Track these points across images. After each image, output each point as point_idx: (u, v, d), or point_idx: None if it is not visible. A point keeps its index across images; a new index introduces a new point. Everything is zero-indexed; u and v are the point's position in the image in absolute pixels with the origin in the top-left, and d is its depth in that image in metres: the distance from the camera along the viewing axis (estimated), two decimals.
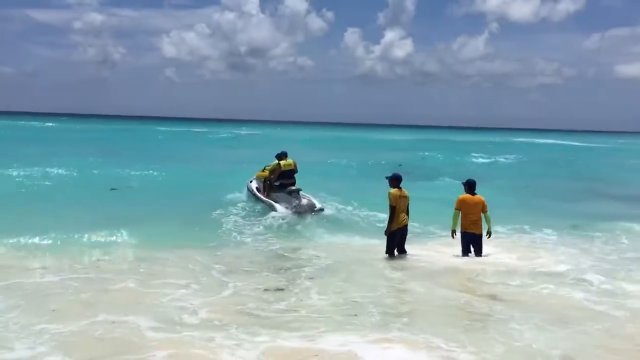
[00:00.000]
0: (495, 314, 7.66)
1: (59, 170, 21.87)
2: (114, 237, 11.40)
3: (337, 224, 14.36)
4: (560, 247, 12.08)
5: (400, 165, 32.80)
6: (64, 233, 11.34)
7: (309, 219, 14.61)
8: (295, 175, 15.73)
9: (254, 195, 16.33)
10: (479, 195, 10.72)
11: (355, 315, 7.48)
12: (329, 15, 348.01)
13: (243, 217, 14.79)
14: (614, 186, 25.38)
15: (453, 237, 10.68)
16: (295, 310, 7.67)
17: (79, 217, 13.66)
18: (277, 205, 15.04)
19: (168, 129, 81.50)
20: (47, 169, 21.67)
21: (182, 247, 11.21)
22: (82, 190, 18.13)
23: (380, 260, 10.63)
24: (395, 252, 10.73)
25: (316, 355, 6.08)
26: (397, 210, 10.51)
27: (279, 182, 15.48)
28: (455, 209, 10.60)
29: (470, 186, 10.76)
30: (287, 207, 14.96)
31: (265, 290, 8.67)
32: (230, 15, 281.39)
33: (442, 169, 31.10)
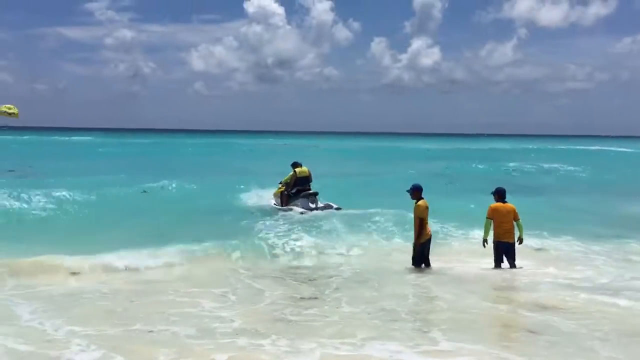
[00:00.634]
0: (548, 325, 7.31)
1: (93, 184, 22.33)
2: (149, 248, 11.61)
3: (360, 228, 14.42)
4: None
5: (446, 168, 32.83)
6: (99, 243, 11.72)
7: (333, 220, 14.80)
8: (311, 184, 16.55)
9: (276, 207, 17.00)
10: (510, 204, 10.71)
11: (394, 320, 7.55)
12: (356, 25, 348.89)
13: (268, 223, 14.96)
14: None
15: (484, 246, 10.64)
16: (332, 318, 7.74)
17: (114, 228, 14.08)
18: (296, 209, 15.91)
19: (198, 141, 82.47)
20: (80, 185, 22.15)
21: (213, 255, 11.53)
22: (115, 201, 18.43)
23: (409, 270, 10.71)
24: (422, 266, 10.67)
25: None
26: (425, 222, 10.49)
27: (295, 189, 16.27)
28: (487, 217, 10.58)
29: (500, 195, 10.73)
30: (306, 208, 15.81)
31: (301, 298, 8.85)
32: (257, 28, 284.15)
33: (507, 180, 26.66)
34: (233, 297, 8.83)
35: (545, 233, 13.83)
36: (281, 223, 14.86)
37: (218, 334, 7.02)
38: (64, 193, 17.27)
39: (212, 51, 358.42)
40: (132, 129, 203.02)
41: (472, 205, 16.46)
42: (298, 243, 13.00)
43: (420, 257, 10.64)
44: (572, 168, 37.53)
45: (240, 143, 77.20)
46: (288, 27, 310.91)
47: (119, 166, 32.49)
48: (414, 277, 10.32)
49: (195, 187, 22.62)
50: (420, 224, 10.40)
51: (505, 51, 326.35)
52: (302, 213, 15.61)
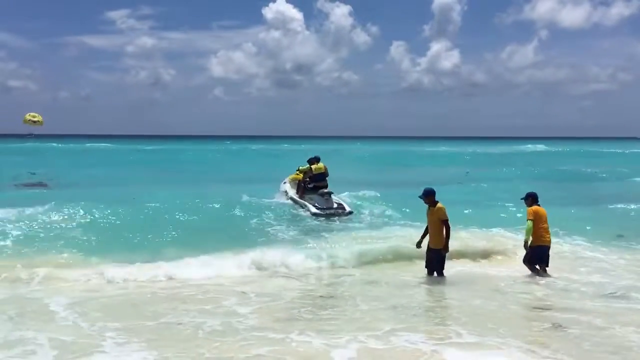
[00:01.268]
0: (574, 321, 7.49)
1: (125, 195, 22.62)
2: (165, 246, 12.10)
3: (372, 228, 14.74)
4: None
5: (467, 172, 32.21)
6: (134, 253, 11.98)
7: (337, 222, 15.70)
8: (327, 179, 17.20)
9: (288, 196, 17.54)
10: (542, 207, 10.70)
11: (414, 315, 7.86)
12: (374, 29, 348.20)
13: (282, 222, 15.60)
14: None
15: (526, 248, 10.54)
16: (353, 314, 7.94)
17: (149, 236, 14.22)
18: (310, 207, 16.33)
19: (220, 147, 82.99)
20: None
21: (234, 253, 11.80)
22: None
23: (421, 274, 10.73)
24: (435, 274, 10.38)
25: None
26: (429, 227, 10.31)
27: (312, 185, 16.95)
28: (529, 219, 10.43)
29: (535, 198, 10.65)
30: (319, 208, 16.18)
31: (320, 297, 8.89)
32: (275, 34, 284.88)
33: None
34: (254, 296, 9.04)
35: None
36: (290, 219, 15.58)
37: (247, 330, 7.19)
38: (99, 205, 16.97)
39: (232, 57, 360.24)
40: (153, 135, 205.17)
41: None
42: (308, 240, 13.49)
43: (435, 264, 10.36)
44: None
45: (268, 148, 77.59)
46: (307, 32, 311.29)
47: (154, 174, 32.56)
48: (427, 279, 10.36)
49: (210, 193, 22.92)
50: (447, 226, 10.08)
51: (526, 53, 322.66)
52: (314, 214, 16.07)
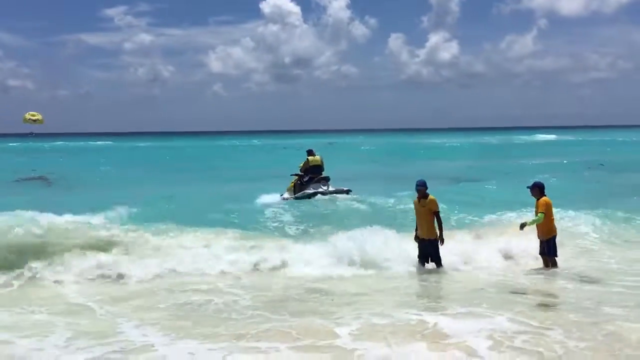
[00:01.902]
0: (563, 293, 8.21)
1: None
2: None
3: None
4: None
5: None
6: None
7: (339, 200, 16.43)
8: (323, 173, 17.45)
9: (288, 198, 17.72)
10: None
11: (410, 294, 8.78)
12: (372, 22, 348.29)
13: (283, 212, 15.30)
14: None
15: (522, 229, 10.15)
16: (345, 298, 8.41)
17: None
18: (308, 191, 16.94)
19: (225, 142, 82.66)
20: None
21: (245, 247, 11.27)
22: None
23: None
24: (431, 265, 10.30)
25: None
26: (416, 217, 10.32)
27: (308, 177, 17.27)
28: (542, 212, 10.00)
29: (542, 188, 10.26)
30: (317, 189, 16.90)
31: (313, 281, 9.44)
32: (273, 28, 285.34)
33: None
34: (247, 282, 9.41)
35: None
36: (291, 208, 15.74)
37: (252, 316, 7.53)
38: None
39: (230, 53, 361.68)
40: (155, 132, 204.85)
41: None
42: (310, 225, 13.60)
43: (432, 254, 10.25)
44: None
45: (273, 143, 77.16)
46: (304, 26, 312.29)
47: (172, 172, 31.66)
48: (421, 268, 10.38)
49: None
50: (439, 217, 10.09)
51: (525, 42, 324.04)
52: (314, 194, 16.72)
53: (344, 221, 13.55)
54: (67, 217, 11.49)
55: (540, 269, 10.21)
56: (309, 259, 10.44)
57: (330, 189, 17.10)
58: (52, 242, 10.23)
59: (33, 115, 66.55)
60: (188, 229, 11.93)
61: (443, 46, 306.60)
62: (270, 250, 10.89)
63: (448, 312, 7.46)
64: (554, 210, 10.39)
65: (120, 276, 9.55)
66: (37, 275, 9.41)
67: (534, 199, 10.33)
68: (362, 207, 16.08)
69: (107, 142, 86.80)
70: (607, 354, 5.91)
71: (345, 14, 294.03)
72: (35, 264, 9.57)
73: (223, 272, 9.91)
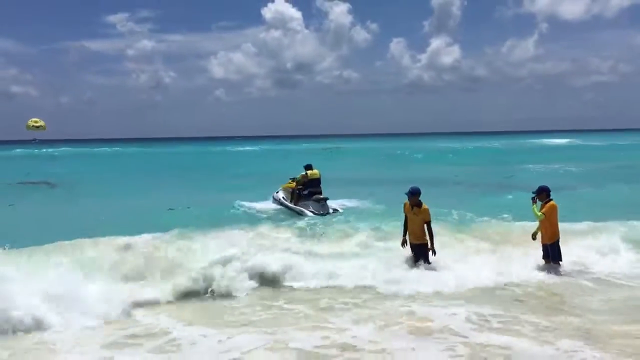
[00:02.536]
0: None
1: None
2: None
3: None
4: None
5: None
6: None
7: (333, 218, 15.42)
8: (322, 186, 17.10)
9: (282, 204, 17.42)
10: None
11: None
12: (374, 26, 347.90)
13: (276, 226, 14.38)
14: None
15: (534, 239, 10.33)
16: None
17: None
18: (306, 212, 16.40)
19: (232, 149, 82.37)
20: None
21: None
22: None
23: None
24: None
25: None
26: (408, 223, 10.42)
27: (307, 191, 16.92)
28: (543, 212, 10.05)
29: (548, 192, 10.28)
30: (315, 213, 16.24)
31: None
32: (275, 33, 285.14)
33: None
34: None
35: None
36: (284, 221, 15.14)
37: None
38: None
39: (232, 58, 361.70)
40: (159, 138, 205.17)
41: None
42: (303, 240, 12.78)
43: (421, 256, 10.39)
44: None
45: (274, 149, 76.75)
46: (306, 31, 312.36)
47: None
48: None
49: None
50: (430, 226, 10.27)
51: (526, 47, 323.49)
52: (314, 214, 16.19)
53: None
54: None
55: None
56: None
57: (330, 210, 16.60)
58: None
59: (36, 122, 67.14)
60: None
61: (445, 50, 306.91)
62: None
63: None
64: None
65: None
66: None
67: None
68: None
69: (114, 149, 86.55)
70: None
71: (347, 19, 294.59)
72: None
73: None
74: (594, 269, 10.30)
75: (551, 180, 17.51)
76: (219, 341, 7.01)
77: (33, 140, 72.16)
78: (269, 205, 18.10)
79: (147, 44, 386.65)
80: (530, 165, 36.68)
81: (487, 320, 7.58)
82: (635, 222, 13.07)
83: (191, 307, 8.56)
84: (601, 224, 12.87)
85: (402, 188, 10.76)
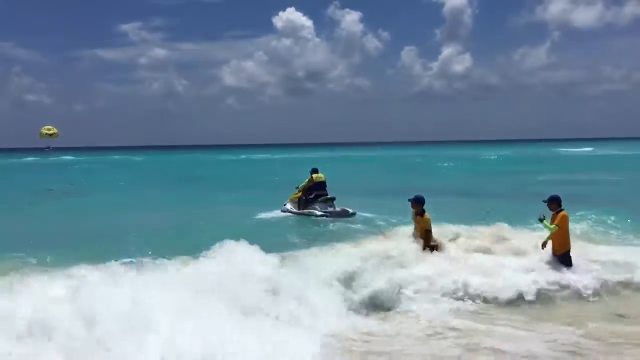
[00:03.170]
0: None
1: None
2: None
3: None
4: None
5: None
6: None
7: (344, 220, 16.01)
8: (327, 189, 17.48)
9: (292, 212, 17.49)
10: None
11: None
12: (385, 35, 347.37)
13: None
14: None
15: (543, 248, 10.08)
16: None
17: None
18: (315, 212, 16.90)
19: (241, 156, 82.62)
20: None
21: None
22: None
23: None
24: None
25: None
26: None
27: (314, 194, 17.27)
28: (557, 224, 9.87)
29: (559, 202, 10.10)
30: (324, 211, 16.80)
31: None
32: (286, 42, 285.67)
33: None
34: None
35: None
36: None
37: None
38: None
39: (243, 66, 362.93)
40: (168, 146, 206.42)
41: None
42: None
43: None
44: None
45: (285, 158, 76.70)
46: (317, 39, 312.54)
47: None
48: None
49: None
50: (427, 236, 10.28)
51: (539, 55, 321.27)
52: (322, 216, 16.70)
53: None
54: None
55: None
56: None
57: (337, 209, 17.03)
58: None
59: (49, 130, 67.75)
60: None
61: (456, 59, 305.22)
62: None
63: None
64: None
65: None
66: None
67: None
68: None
69: (135, 157, 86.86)
70: None
71: (358, 28, 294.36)
72: None
73: None
74: None
75: None
76: None
77: (47, 147, 72.87)
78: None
79: (159, 52, 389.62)
80: (582, 176, 33.29)
81: None
82: None
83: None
84: None
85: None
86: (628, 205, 16.81)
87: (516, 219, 12.71)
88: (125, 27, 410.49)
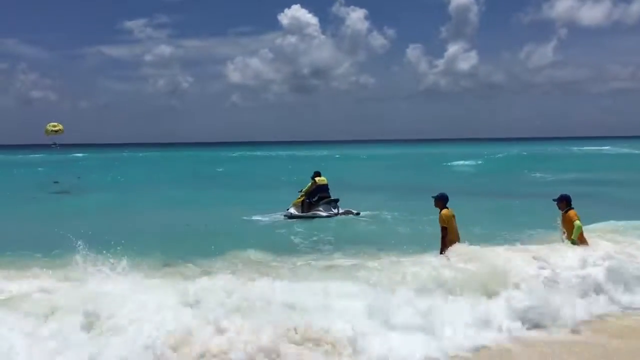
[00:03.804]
0: None
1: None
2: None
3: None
4: None
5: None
6: None
7: (350, 217, 16.75)
8: (330, 192, 17.71)
9: (296, 216, 17.42)
10: None
11: None
12: (390, 32, 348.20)
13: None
14: None
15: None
16: None
17: None
18: (319, 213, 17.16)
19: (245, 154, 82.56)
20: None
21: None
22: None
23: None
24: None
25: None
26: (449, 231, 9.91)
27: (317, 197, 17.50)
28: (576, 220, 9.77)
29: (569, 201, 10.02)
30: (326, 213, 17.15)
31: None
32: (292, 39, 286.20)
33: None
34: None
35: None
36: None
37: None
38: None
39: (248, 63, 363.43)
40: (172, 143, 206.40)
41: None
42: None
43: None
44: None
45: (297, 155, 76.32)
46: (322, 37, 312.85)
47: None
48: None
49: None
50: (444, 233, 9.92)
51: (545, 52, 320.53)
52: (327, 216, 17.04)
53: None
54: None
55: None
56: None
57: (341, 210, 17.37)
58: None
59: (54, 126, 67.42)
60: None
61: (462, 56, 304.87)
62: None
63: None
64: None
65: None
66: None
67: None
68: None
69: (142, 154, 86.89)
70: None
71: (364, 25, 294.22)
72: None
73: None
74: None
75: None
76: None
77: (53, 144, 72.65)
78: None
79: (164, 49, 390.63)
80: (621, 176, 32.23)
81: None
82: None
83: None
84: None
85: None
86: None
87: None
88: (130, 23, 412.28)
